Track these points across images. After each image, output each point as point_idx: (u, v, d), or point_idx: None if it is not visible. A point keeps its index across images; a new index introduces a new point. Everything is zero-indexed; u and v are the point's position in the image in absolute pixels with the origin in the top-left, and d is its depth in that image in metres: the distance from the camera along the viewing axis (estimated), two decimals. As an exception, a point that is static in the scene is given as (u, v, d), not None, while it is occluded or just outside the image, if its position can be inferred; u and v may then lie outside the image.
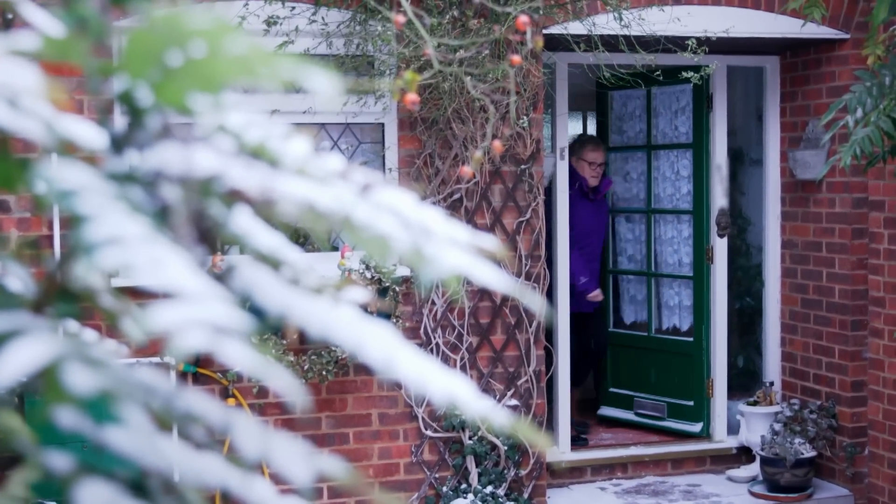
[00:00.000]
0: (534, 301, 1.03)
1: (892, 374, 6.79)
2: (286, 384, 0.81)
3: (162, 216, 0.88)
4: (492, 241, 1.05)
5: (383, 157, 6.33)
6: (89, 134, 0.98)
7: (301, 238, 5.64)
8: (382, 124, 6.35)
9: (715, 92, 7.59)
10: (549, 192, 7.17)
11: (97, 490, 0.88)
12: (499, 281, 0.98)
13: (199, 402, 0.96)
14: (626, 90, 7.56)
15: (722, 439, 7.53)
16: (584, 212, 7.61)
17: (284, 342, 5.85)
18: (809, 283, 7.27)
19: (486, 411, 0.99)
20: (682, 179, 7.67)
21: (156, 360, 5.51)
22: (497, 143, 2.39)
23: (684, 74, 5.82)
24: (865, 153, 4.80)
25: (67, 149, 0.97)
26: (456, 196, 6.31)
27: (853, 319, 6.98)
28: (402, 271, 6.10)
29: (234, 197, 0.90)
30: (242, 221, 0.96)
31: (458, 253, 0.96)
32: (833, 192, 7.09)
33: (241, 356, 0.77)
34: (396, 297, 6.11)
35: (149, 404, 0.88)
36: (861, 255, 6.96)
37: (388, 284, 6.02)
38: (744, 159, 8.49)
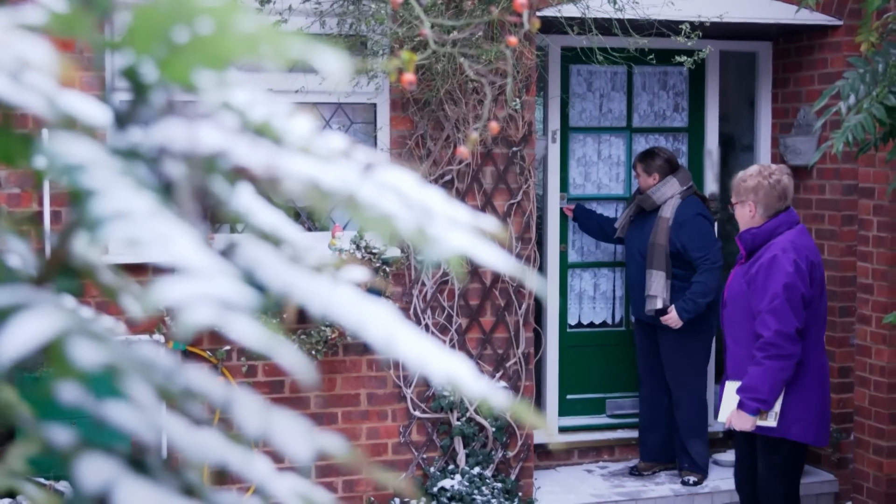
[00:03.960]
0: (533, 282, 1.04)
1: (879, 361, 6.82)
2: (293, 359, 0.81)
3: (166, 192, 0.88)
4: (491, 222, 1.05)
5: (375, 137, 6.32)
6: (92, 110, 0.98)
7: (293, 216, 5.64)
8: (375, 105, 6.34)
9: (707, 77, 7.59)
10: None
11: (99, 465, 0.89)
12: (500, 261, 0.98)
13: (200, 378, 0.96)
14: (590, 66, 6.96)
15: (710, 424, 7.55)
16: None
17: (275, 321, 5.85)
18: (798, 269, 7.29)
19: (485, 392, 0.99)
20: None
21: (146, 337, 5.51)
22: (494, 125, 2.40)
23: (677, 59, 5.81)
24: (857, 140, 4.81)
25: (70, 124, 0.96)
26: (447, 178, 6.30)
27: (841, 306, 7.01)
28: (393, 252, 6.11)
29: (238, 174, 0.91)
30: (245, 199, 0.96)
31: (460, 233, 0.96)
32: (823, 179, 7.11)
33: (248, 331, 0.78)
34: (387, 278, 6.11)
35: (151, 380, 0.88)
36: (850, 242, 6.99)
37: (378, 265, 6.02)
38: (735, 145, 8.50)
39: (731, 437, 7.37)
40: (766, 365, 5.17)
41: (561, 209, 7.38)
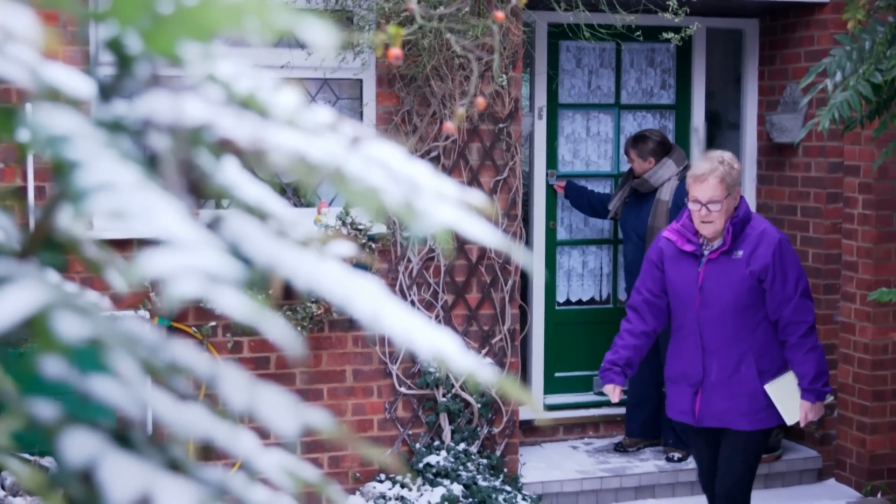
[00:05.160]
0: (521, 256, 1.03)
1: (863, 338, 6.85)
2: (280, 332, 0.81)
3: (151, 165, 0.87)
4: (478, 197, 1.05)
5: (361, 113, 6.30)
6: (76, 82, 0.97)
7: (278, 192, 5.63)
8: (361, 80, 6.31)
9: (694, 54, 7.59)
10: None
11: (83, 439, 0.88)
12: (487, 235, 0.98)
13: (185, 353, 0.96)
14: (579, 42, 6.90)
15: (693, 400, 7.57)
16: (676, 272, 5.04)
17: (261, 296, 5.84)
18: (783, 247, 7.31)
19: (471, 367, 0.99)
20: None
21: (131, 313, 5.50)
22: (480, 100, 2.39)
23: (665, 35, 5.80)
24: (844, 117, 4.81)
25: (54, 96, 0.95)
26: (433, 154, 6.29)
27: (825, 283, 7.03)
28: (379, 228, 6.10)
29: (223, 147, 0.90)
30: (230, 172, 0.96)
31: (448, 207, 0.96)
32: (809, 157, 7.12)
33: (235, 304, 0.77)
34: (373, 254, 6.11)
35: (136, 354, 0.88)
36: (835, 220, 7.00)
37: (364, 241, 6.01)
38: (721, 122, 8.50)
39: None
40: (820, 347, 4.91)
41: (552, 186, 7.39)
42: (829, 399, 5.02)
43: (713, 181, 4.79)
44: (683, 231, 4.96)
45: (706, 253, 4.90)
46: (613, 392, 5.13)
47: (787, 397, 4.90)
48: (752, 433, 4.97)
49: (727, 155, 4.96)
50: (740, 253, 4.85)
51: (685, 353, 5.01)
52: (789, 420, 4.93)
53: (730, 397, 4.91)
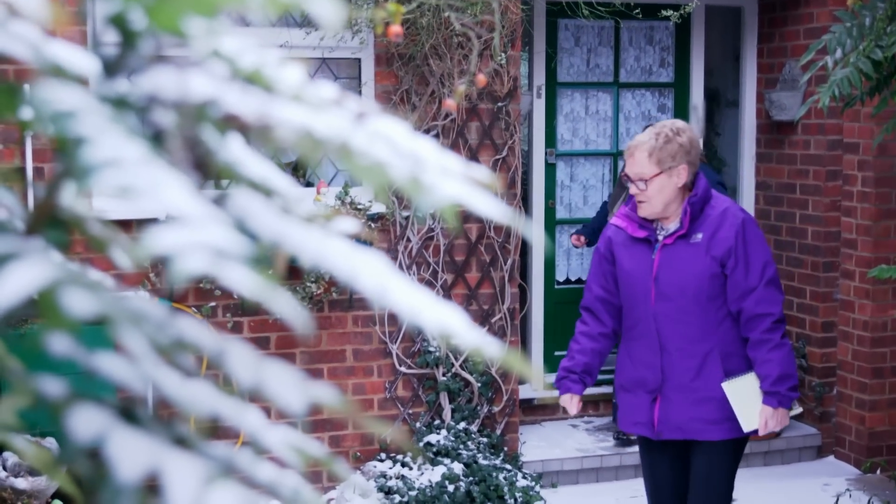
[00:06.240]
0: (526, 230, 1.03)
1: (862, 316, 6.86)
2: (288, 307, 0.80)
3: (156, 141, 0.87)
4: (482, 172, 1.04)
5: (360, 93, 6.29)
6: (80, 58, 0.96)
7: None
8: (359, 60, 6.30)
9: (693, 32, 7.57)
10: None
11: (91, 416, 0.88)
12: (494, 209, 0.98)
13: (192, 329, 0.96)
14: (577, 20, 6.89)
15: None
16: (628, 261, 4.39)
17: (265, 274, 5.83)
18: (783, 225, 7.31)
19: (478, 341, 0.99)
20: (653, 120, 7.63)
21: (131, 292, 5.50)
22: (481, 77, 2.38)
23: (664, 13, 5.78)
24: (843, 94, 4.80)
25: (57, 73, 0.95)
26: (432, 133, 6.28)
27: (825, 261, 7.03)
28: (378, 208, 6.10)
29: (229, 122, 0.89)
30: (235, 148, 0.95)
31: (453, 182, 0.96)
32: (808, 134, 7.11)
33: (242, 279, 0.77)
34: (372, 234, 6.11)
35: (144, 330, 0.87)
36: (834, 197, 7.00)
37: (363, 221, 6.01)
38: (720, 100, 8.49)
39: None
40: (788, 345, 4.23)
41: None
42: (797, 408, 4.42)
43: (640, 156, 4.21)
44: (634, 215, 4.34)
45: (661, 238, 4.28)
46: (570, 402, 4.47)
47: (747, 400, 4.25)
48: (728, 444, 4.33)
49: (673, 126, 4.30)
50: (700, 236, 4.22)
51: (640, 355, 4.34)
52: (746, 427, 4.25)
53: (694, 404, 4.26)
